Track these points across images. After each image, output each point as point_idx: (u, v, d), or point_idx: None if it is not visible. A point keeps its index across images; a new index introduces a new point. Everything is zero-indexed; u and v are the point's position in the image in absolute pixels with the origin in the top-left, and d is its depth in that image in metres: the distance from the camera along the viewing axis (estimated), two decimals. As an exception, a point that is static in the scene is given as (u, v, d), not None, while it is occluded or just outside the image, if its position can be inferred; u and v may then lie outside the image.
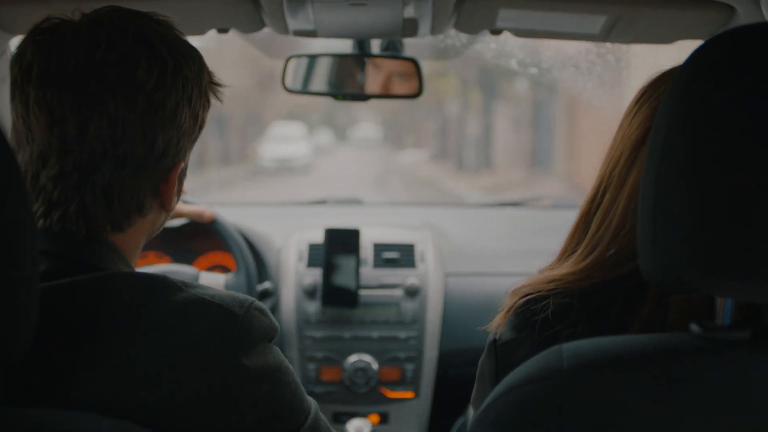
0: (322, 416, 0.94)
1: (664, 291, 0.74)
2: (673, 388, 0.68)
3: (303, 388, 0.92)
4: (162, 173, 0.92)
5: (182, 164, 0.94)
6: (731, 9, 1.31)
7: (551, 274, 0.97)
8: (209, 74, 0.97)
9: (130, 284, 0.84)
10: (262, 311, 0.87)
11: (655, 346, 0.71)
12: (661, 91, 0.95)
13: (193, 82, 0.92)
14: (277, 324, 0.90)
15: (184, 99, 0.91)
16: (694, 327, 0.72)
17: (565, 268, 0.96)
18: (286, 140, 18.36)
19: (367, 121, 21.39)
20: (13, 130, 0.91)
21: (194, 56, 0.94)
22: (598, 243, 0.95)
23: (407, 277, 2.08)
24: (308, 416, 0.90)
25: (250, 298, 0.87)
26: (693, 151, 0.68)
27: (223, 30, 1.48)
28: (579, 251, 0.97)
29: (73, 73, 0.86)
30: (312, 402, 0.93)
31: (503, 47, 1.96)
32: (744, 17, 1.31)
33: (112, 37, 0.87)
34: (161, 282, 0.85)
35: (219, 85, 0.98)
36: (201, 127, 0.96)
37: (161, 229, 1.01)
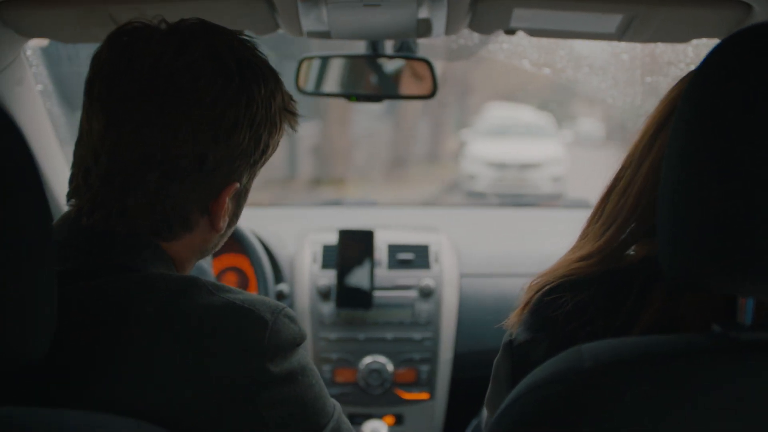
0: (345, 418, 0.94)
1: (684, 288, 0.73)
2: (695, 389, 0.67)
3: (326, 390, 0.91)
4: (212, 190, 0.90)
5: (237, 185, 0.92)
6: (748, 7, 1.30)
7: (568, 259, 0.97)
8: (285, 99, 0.95)
9: (159, 286, 0.84)
10: (291, 318, 0.87)
11: (676, 346, 0.70)
12: (686, 80, 0.95)
13: (260, 102, 0.90)
14: (305, 332, 0.89)
15: (245, 118, 0.89)
16: (716, 327, 0.71)
17: (583, 249, 0.96)
18: (515, 134, 12.15)
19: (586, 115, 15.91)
20: (80, 124, 0.91)
21: (268, 77, 0.92)
22: (614, 219, 0.95)
23: (422, 278, 2.08)
24: (330, 418, 0.90)
25: (281, 305, 0.87)
26: (714, 148, 0.67)
27: (237, 32, 1.48)
28: (597, 226, 0.97)
29: (137, 76, 0.86)
30: (336, 404, 0.93)
31: (516, 47, 1.95)
32: (761, 15, 1.29)
33: (183, 45, 0.87)
34: (192, 284, 0.84)
35: (294, 113, 0.96)
36: (265, 152, 0.94)
37: (215, 249, 0.99)
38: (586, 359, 0.70)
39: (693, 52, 1.73)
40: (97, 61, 0.89)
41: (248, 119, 0.89)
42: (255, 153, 0.92)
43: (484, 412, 1.93)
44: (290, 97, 0.97)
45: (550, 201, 3.03)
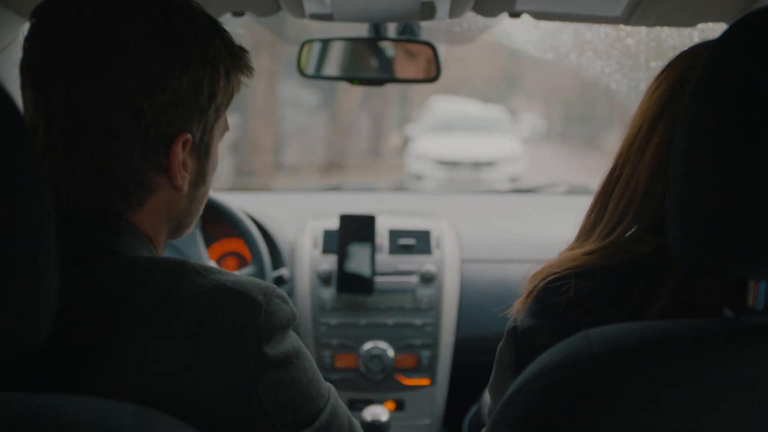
0: (341, 402, 0.93)
1: (694, 273, 0.72)
2: (707, 374, 0.66)
3: (320, 374, 0.91)
4: (160, 144, 0.87)
5: (188, 136, 0.88)
6: (756, -10, 1.29)
7: (573, 253, 0.96)
8: (227, 44, 0.91)
9: (148, 270, 0.83)
10: (283, 299, 0.86)
11: (686, 331, 0.69)
12: (681, 64, 0.94)
13: (192, 45, 0.86)
14: (297, 312, 0.88)
15: (176, 62, 0.85)
16: (728, 311, 0.70)
17: (588, 246, 0.95)
18: (466, 129, 11.02)
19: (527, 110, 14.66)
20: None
21: (200, 20, 0.89)
22: (621, 218, 0.94)
23: (423, 263, 2.07)
24: (327, 401, 0.89)
25: (272, 285, 0.86)
26: (727, 128, 0.66)
27: (238, 13, 1.47)
28: (600, 227, 0.96)
29: (58, 38, 0.84)
30: (330, 387, 0.92)
31: (518, 31, 1.94)
32: (769, -2, 1.28)
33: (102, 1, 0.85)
34: (181, 267, 0.83)
35: (241, 58, 0.92)
36: (213, 99, 0.89)
37: (188, 218, 0.96)
38: (594, 344, 0.70)
39: (699, 37, 1.71)
40: (27, 36, 0.87)
41: (181, 63, 0.85)
42: (199, 100, 0.88)
43: (485, 398, 1.94)
44: (232, 42, 0.92)
45: (550, 188, 3.01)
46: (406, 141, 11.96)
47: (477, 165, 10.28)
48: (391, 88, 12.43)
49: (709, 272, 0.70)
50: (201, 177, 0.94)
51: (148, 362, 0.78)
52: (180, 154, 0.88)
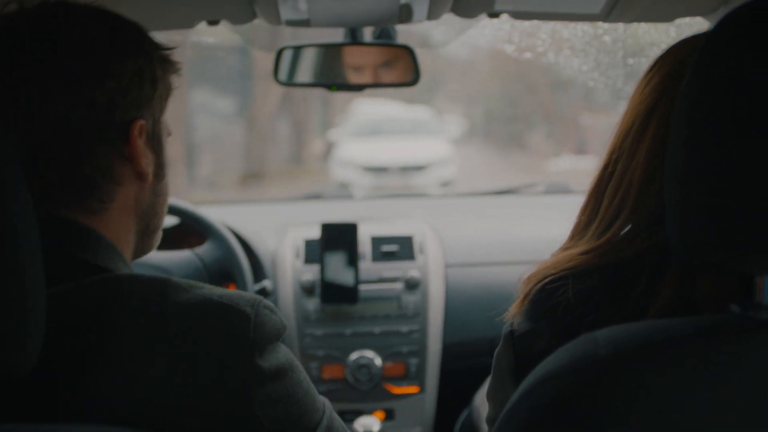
0: (336, 415, 0.92)
1: (697, 269, 0.71)
2: (716, 371, 0.65)
3: (314, 387, 0.89)
4: (119, 132, 0.89)
5: (142, 123, 0.90)
6: (734, -17, 1.29)
7: (569, 253, 0.94)
8: (155, 41, 0.95)
9: (134, 289, 0.81)
10: (271, 309, 0.85)
11: (695, 328, 0.68)
12: (672, 59, 0.93)
13: (130, 37, 0.91)
14: (285, 322, 0.87)
15: (117, 51, 0.89)
16: (734, 307, 0.69)
17: (583, 246, 0.94)
18: (393, 133, 10.52)
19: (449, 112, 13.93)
20: None
21: (131, 22, 0.94)
22: (616, 215, 0.92)
23: (407, 269, 2.05)
24: (323, 414, 0.88)
25: (258, 297, 0.85)
26: (722, 124, 0.65)
27: (213, 22, 1.44)
28: (594, 225, 0.94)
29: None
30: (325, 401, 0.91)
31: (497, 32, 1.93)
32: (748, -9, 1.28)
33: (39, 13, 0.89)
34: (165, 283, 0.82)
35: (163, 49, 0.96)
36: (155, 86, 0.93)
37: (154, 218, 0.97)
38: (601, 346, 0.68)
39: (676, 32, 1.72)
40: None
41: (121, 51, 0.89)
42: (144, 87, 0.91)
43: (476, 403, 1.92)
44: (156, 39, 0.96)
45: (529, 188, 3.01)
46: (329, 147, 11.45)
47: (406, 170, 9.81)
48: (311, 91, 11.51)
49: (713, 268, 0.69)
50: (160, 169, 0.96)
51: (139, 383, 0.77)
52: (139, 140, 0.90)
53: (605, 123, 13.02)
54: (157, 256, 1.90)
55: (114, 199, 0.90)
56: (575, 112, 13.58)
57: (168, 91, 0.96)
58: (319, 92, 11.89)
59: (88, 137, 0.87)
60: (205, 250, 1.95)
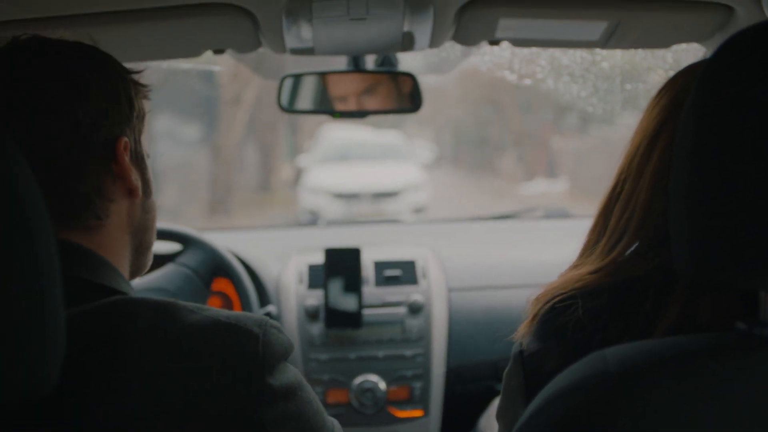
0: None
1: (704, 288, 0.72)
2: (723, 388, 0.66)
3: (323, 407, 0.91)
4: (105, 150, 0.92)
5: (126, 140, 0.94)
6: (730, 10, 1.31)
7: (576, 273, 0.96)
8: (121, 65, 0.98)
9: (142, 312, 0.82)
10: (278, 329, 0.87)
11: (701, 346, 0.69)
12: (678, 83, 0.96)
13: (102, 61, 0.95)
14: (291, 341, 0.89)
15: (93, 72, 0.93)
16: (740, 324, 0.71)
17: (590, 266, 0.95)
18: (364, 158, 10.28)
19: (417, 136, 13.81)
20: None
21: (97, 49, 0.98)
22: (622, 234, 0.94)
23: (410, 294, 2.06)
24: None
25: (265, 317, 0.86)
26: (726, 141, 0.67)
27: (219, 51, 1.47)
28: (602, 245, 0.96)
29: None
30: (334, 421, 0.92)
31: (498, 59, 1.96)
32: (743, 18, 1.31)
33: (13, 47, 0.93)
34: (173, 306, 0.83)
35: (134, 74, 0.99)
36: (131, 107, 0.96)
37: (146, 233, 1.00)
38: (611, 364, 0.69)
39: (672, 58, 1.75)
40: None
41: (97, 72, 0.93)
42: (122, 105, 0.94)
43: (479, 426, 1.92)
44: (120, 63, 1.00)
45: (528, 213, 3.04)
46: (298, 173, 11.05)
47: (378, 196, 9.49)
48: (278, 116, 11.33)
49: (719, 286, 0.71)
50: (146, 185, 0.99)
51: (150, 404, 0.77)
52: (125, 157, 0.94)
53: (576, 146, 12.93)
54: (146, 278, 1.91)
55: (109, 215, 0.93)
56: (545, 135, 13.50)
57: (143, 113, 1.00)
58: (287, 117, 11.61)
59: (77, 158, 0.90)
60: (187, 257, 1.96)
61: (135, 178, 0.95)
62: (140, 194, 0.97)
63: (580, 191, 11.17)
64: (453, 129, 15.42)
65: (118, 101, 0.94)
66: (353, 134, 11.11)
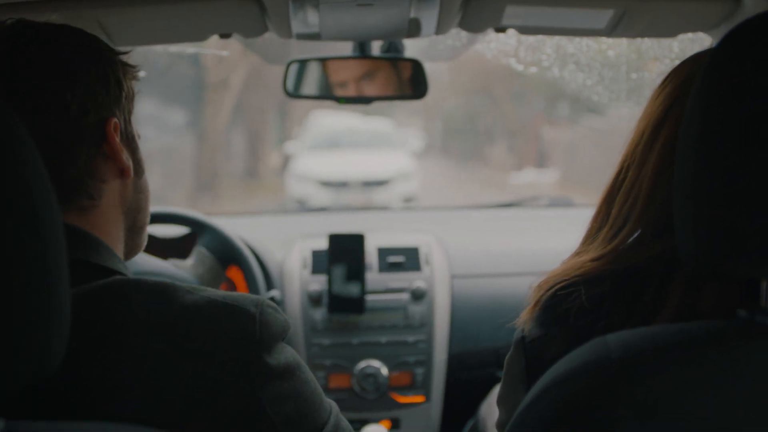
0: (342, 416, 0.94)
1: (706, 275, 0.72)
2: (724, 375, 0.67)
3: (320, 387, 0.91)
4: (95, 132, 0.92)
5: (115, 121, 0.94)
6: (736, 0, 1.31)
7: (579, 260, 0.96)
8: (109, 47, 0.98)
9: (140, 290, 0.83)
10: (275, 309, 0.87)
11: (702, 333, 0.70)
12: (684, 71, 0.96)
13: (87, 43, 0.95)
14: (289, 321, 0.90)
15: (80, 55, 0.93)
16: (742, 312, 0.71)
17: (593, 252, 0.95)
18: (353, 146, 10.14)
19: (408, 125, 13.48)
20: None
21: (82, 31, 0.97)
22: (624, 222, 0.94)
23: (413, 280, 2.07)
24: (330, 414, 0.90)
25: (261, 297, 0.87)
26: (733, 130, 0.67)
27: (225, 35, 1.47)
28: (604, 232, 0.96)
29: None
30: (332, 402, 0.93)
31: (504, 46, 1.96)
32: (750, 7, 1.31)
33: None
34: (170, 287, 0.84)
35: (119, 53, 0.99)
36: (120, 87, 0.96)
37: (140, 213, 1.00)
38: (612, 349, 0.70)
39: (678, 47, 1.75)
40: None
41: (83, 54, 0.93)
42: (110, 87, 0.95)
43: (481, 413, 1.93)
44: (107, 44, 0.99)
45: (532, 201, 3.05)
46: (286, 160, 10.79)
47: (367, 185, 9.26)
48: (267, 102, 11.32)
49: (721, 273, 0.71)
50: (138, 165, 1.00)
51: (149, 383, 0.79)
52: (115, 137, 0.94)
53: (567, 136, 12.84)
54: (180, 263, 1.91)
55: (102, 196, 0.93)
56: (536, 125, 13.41)
57: (132, 93, 1.00)
58: (276, 102, 11.48)
59: (68, 140, 0.90)
60: (204, 241, 1.96)
61: (126, 158, 0.96)
62: (132, 174, 0.97)
63: (571, 182, 11.04)
64: (443, 118, 15.29)
65: (106, 83, 0.94)
66: (343, 121, 10.86)
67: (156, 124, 10.67)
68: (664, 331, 0.71)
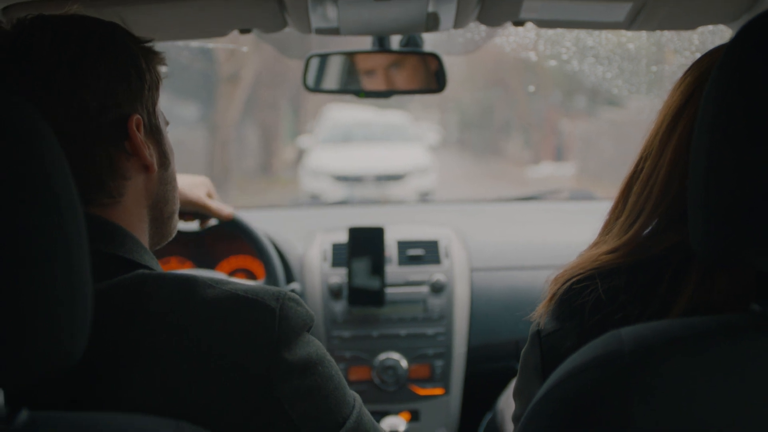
0: (366, 410, 0.93)
1: (720, 266, 0.73)
2: (737, 368, 0.67)
3: (345, 382, 0.91)
4: (117, 129, 0.91)
5: (138, 117, 0.93)
6: (757, -9, 1.30)
7: (594, 252, 0.96)
8: (129, 34, 0.97)
9: (162, 285, 0.84)
10: (296, 302, 0.87)
11: (715, 326, 0.70)
12: (704, 64, 0.96)
13: (102, 35, 0.93)
14: (312, 313, 0.89)
15: (95, 51, 0.91)
16: (755, 306, 0.71)
17: (608, 244, 0.96)
18: (368, 140, 9.85)
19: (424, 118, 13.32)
20: None
21: (95, 19, 0.95)
22: (640, 212, 0.94)
23: (433, 273, 2.08)
24: (353, 409, 0.90)
25: (283, 290, 0.87)
26: (746, 123, 0.67)
27: (245, 30, 1.48)
28: (620, 223, 0.96)
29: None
30: (356, 396, 0.93)
31: (522, 39, 1.96)
32: (770, -1, 1.30)
33: (18, 30, 0.91)
34: (192, 280, 0.85)
35: (147, 41, 0.98)
36: (142, 79, 0.95)
37: (167, 204, 1.00)
38: (626, 343, 0.70)
39: (698, 40, 1.73)
40: None
41: (98, 50, 0.91)
42: (131, 81, 0.93)
43: (499, 405, 1.94)
44: (131, 32, 0.98)
45: (553, 194, 3.04)
46: (300, 155, 10.66)
47: (382, 179, 9.04)
48: (280, 95, 11.40)
49: (734, 265, 0.71)
50: (164, 157, 0.99)
51: (169, 377, 0.79)
52: (138, 134, 0.93)
53: (584, 129, 12.67)
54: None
55: (124, 194, 0.93)
56: (553, 118, 13.24)
57: (157, 81, 0.98)
58: (289, 96, 11.46)
59: (87, 141, 0.89)
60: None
61: (149, 154, 0.95)
62: (156, 168, 0.96)
63: (588, 175, 10.91)
64: (459, 111, 15.14)
65: (126, 78, 0.93)
66: (357, 114, 10.69)
67: (168, 119, 10.66)
68: (677, 324, 0.71)
